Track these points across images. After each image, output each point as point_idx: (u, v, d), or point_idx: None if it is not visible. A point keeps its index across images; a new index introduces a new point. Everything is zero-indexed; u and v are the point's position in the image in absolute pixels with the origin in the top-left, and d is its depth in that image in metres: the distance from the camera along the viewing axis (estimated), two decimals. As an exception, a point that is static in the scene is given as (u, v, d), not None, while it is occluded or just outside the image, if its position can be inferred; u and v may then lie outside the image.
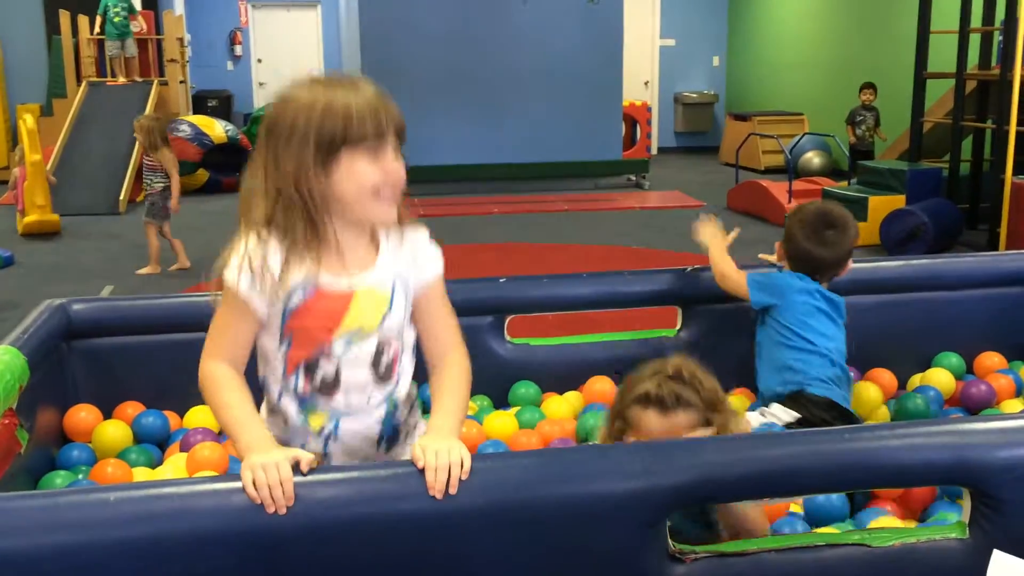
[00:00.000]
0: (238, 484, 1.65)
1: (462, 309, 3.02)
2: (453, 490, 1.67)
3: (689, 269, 3.14)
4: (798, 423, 2.72)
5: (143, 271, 7.11)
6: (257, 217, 1.73)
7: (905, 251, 7.31)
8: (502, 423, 2.91)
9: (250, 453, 1.66)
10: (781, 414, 2.77)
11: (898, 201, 7.80)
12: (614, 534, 1.77)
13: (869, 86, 10.19)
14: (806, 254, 2.91)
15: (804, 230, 2.91)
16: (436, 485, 1.66)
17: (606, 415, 2.13)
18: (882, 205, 7.78)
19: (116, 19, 11.59)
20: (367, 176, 1.69)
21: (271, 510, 1.61)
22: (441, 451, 1.69)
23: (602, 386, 3.06)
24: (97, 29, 11.75)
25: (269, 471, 1.62)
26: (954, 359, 3.26)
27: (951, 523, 1.94)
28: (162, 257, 7.20)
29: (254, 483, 1.61)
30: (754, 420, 2.75)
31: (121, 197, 9.84)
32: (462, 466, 1.68)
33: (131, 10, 11.79)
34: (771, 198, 8.97)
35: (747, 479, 1.81)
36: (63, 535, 1.55)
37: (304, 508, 1.65)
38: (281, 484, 1.61)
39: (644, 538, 1.79)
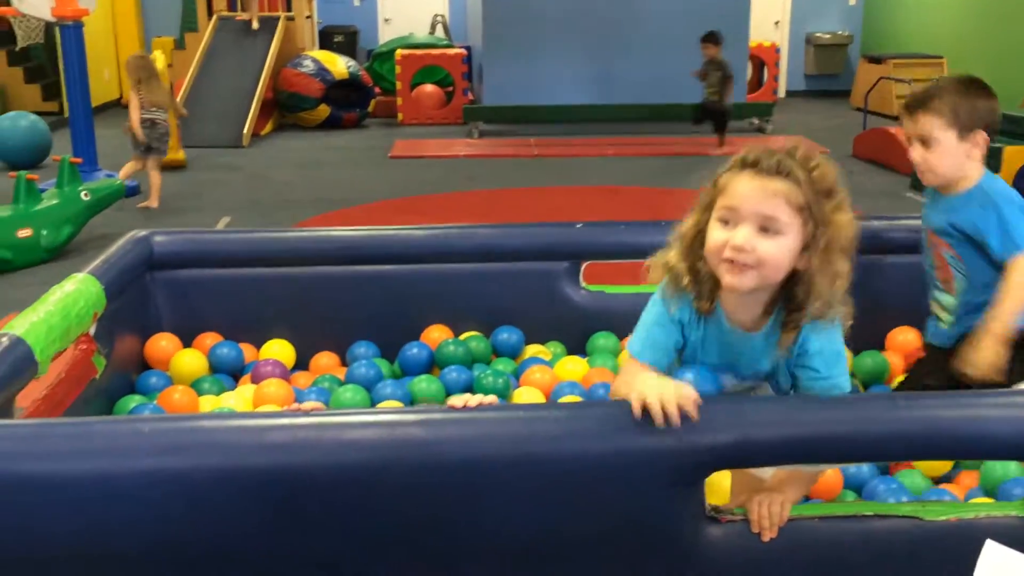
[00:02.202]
0: (267, 422, 1.68)
1: (537, 254, 3.04)
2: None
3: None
4: None
5: (142, 205, 7.25)
6: None
7: (1039, 205, 6.89)
8: (575, 368, 2.88)
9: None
10: None
11: (1036, 151, 7.35)
12: (648, 493, 1.73)
13: (708, 38, 9.25)
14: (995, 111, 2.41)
15: (976, 86, 2.43)
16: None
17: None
18: (1018, 156, 7.33)
19: None
20: None
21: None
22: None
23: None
24: None
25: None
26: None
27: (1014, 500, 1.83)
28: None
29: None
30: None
31: (245, 131, 10.09)
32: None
33: None
34: (899, 146, 8.55)
35: (790, 442, 1.73)
36: (95, 462, 1.60)
37: (332, 449, 1.67)
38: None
39: (679, 499, 1.75)
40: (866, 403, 1.80)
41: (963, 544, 1.76)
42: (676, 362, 1.92)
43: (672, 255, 1.83)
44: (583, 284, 3.06)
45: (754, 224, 1.68)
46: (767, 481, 1.89)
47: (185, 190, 7.88)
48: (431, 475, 1.69)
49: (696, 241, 1.78)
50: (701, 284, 1.79)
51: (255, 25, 11.37)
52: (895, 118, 11.53)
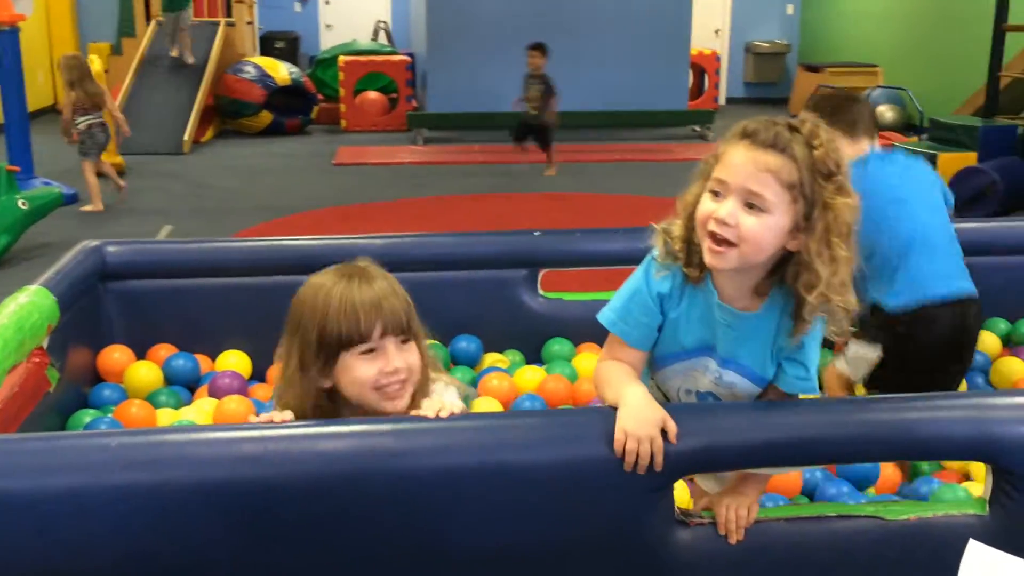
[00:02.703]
0: (238, 434, 1.67)
1: (496, 262, 3.05)
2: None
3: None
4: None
5: (86, 208, 7.21)
6: (289, 402, 1.78)
7: (973, 210, 7.07)
8: (533, 377, 2.90)
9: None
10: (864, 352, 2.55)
11: (969, 159, 7.54)
12: (619, 498, 1.75)
13: (537, 48, 8.58)
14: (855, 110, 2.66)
15: (834, 98, 2.75)
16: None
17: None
18: (952, 162, 7.53)
19: None
20: (365, 376, 1.74)
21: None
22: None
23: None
24: None
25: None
26: (1002, 325, 3.16)
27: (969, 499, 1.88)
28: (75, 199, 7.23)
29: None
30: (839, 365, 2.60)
31: (185, 137, 9.95)
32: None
33: None
34: (837, 152, 8.74)
35: (758, 447, 1.77)
36: (63, 478, 1.57)
37: (304, 460, 1.66)
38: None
39: (650, 503, 1.76)
40: (831, 407, 1.84)
41: (924, 542, 1.82)
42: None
43: (675, 223, 1.77)
44: (541, 292, 3.08)
45: (740, 199, 1.63)
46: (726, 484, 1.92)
47: (126, 198, 7.74)
48: (403, 485, 1.68)
49: (694, 210, 1.71)
50: (692, 254, 1.73)
51: (189, 60, 10.79)
52: (832, 125, 11.73)
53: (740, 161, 1.63)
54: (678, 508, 1.81)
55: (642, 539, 1.78)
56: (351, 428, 1.72)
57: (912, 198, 2.61)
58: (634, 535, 1.78)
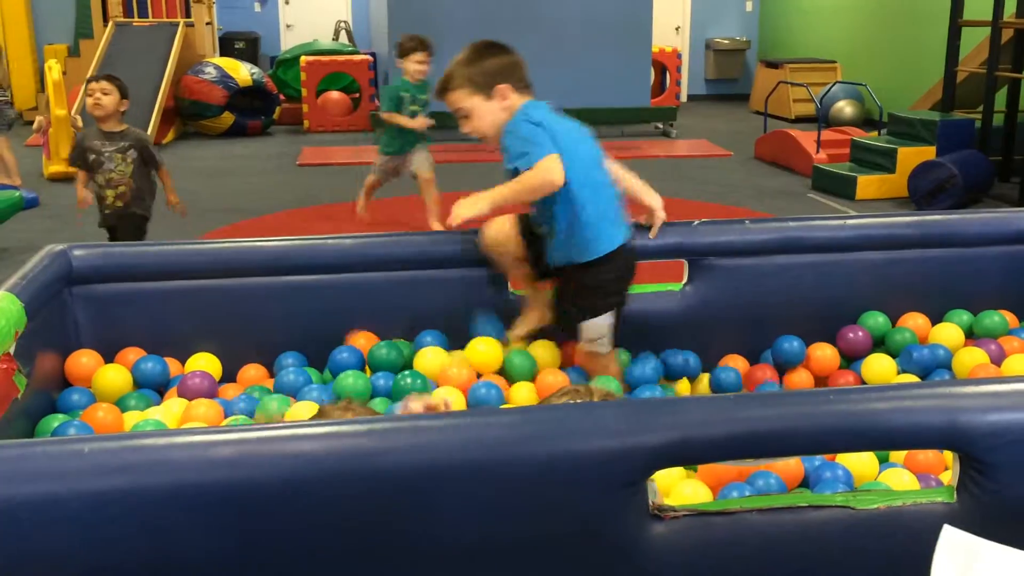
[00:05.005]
0: (214, 437, 1.66)
1: (465, 261, 3.05)
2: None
3: (696, 222, 3.09)
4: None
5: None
6: None
7: (933, 204, 7.18)
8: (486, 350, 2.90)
9: None
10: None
11: (928, 152, 7.66)
12: (594, 493, 1.76)
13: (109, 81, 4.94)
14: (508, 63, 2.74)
15: (480, 51, 2.76)
16: None
17: None
18: (912, 156, 7.64)
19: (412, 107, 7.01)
20: None
21: None
22: None
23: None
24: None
25: None
26: (964, 316, 3.21)
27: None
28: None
29: None
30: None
31: (147, 139, 9.85)
32: None
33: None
34: (799, 148, 8.83)
35: (730, 440, 1.79)
36: (36, 485, 1.56)
37: (280, 462, 1.65)
38: None
39: (624, 497, 1.78)
40: (800, 398, 1.87)
41: (894, 531, 1.85)
42: None
43: None
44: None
45: None
46: None
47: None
48: (380, 484, 1.69)
49: None
50: None
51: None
52: (794, 121, 11.88)
53: None
54: (653, 502, 1.83)
55: (617, 533, 1.80)
56: (325, 429, 1.73)
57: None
58: (609, 530, 1.79)
